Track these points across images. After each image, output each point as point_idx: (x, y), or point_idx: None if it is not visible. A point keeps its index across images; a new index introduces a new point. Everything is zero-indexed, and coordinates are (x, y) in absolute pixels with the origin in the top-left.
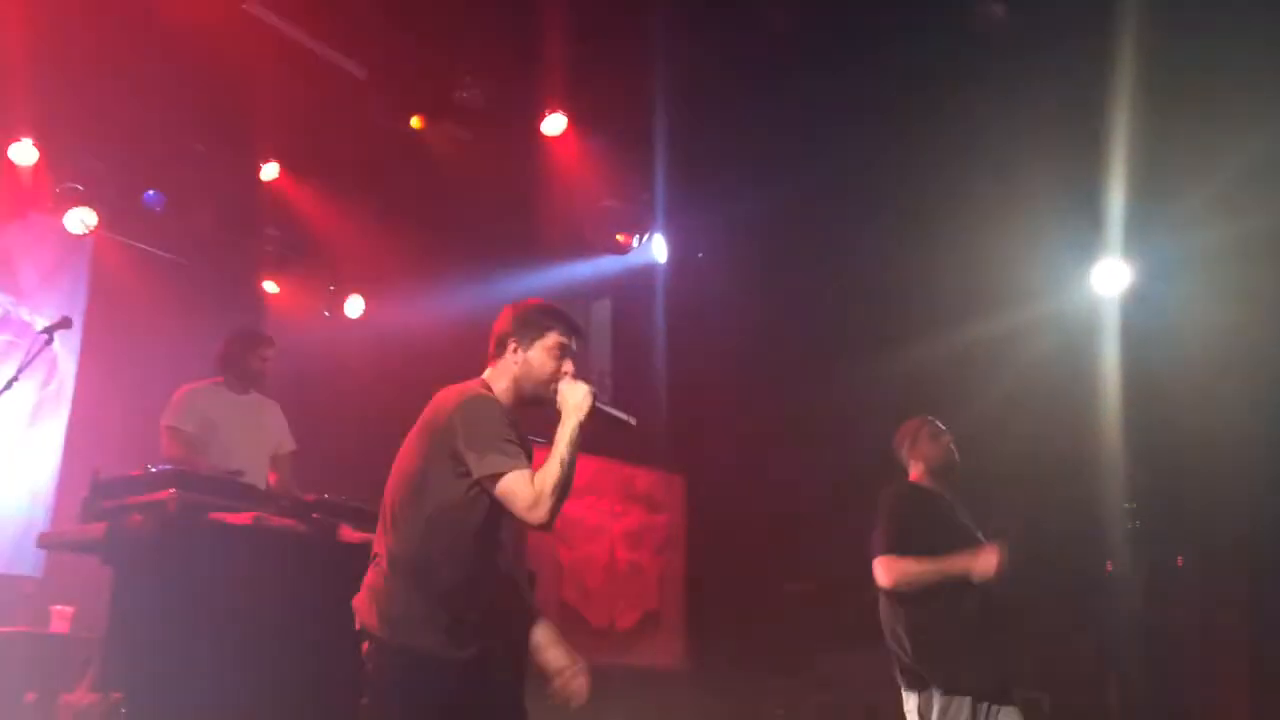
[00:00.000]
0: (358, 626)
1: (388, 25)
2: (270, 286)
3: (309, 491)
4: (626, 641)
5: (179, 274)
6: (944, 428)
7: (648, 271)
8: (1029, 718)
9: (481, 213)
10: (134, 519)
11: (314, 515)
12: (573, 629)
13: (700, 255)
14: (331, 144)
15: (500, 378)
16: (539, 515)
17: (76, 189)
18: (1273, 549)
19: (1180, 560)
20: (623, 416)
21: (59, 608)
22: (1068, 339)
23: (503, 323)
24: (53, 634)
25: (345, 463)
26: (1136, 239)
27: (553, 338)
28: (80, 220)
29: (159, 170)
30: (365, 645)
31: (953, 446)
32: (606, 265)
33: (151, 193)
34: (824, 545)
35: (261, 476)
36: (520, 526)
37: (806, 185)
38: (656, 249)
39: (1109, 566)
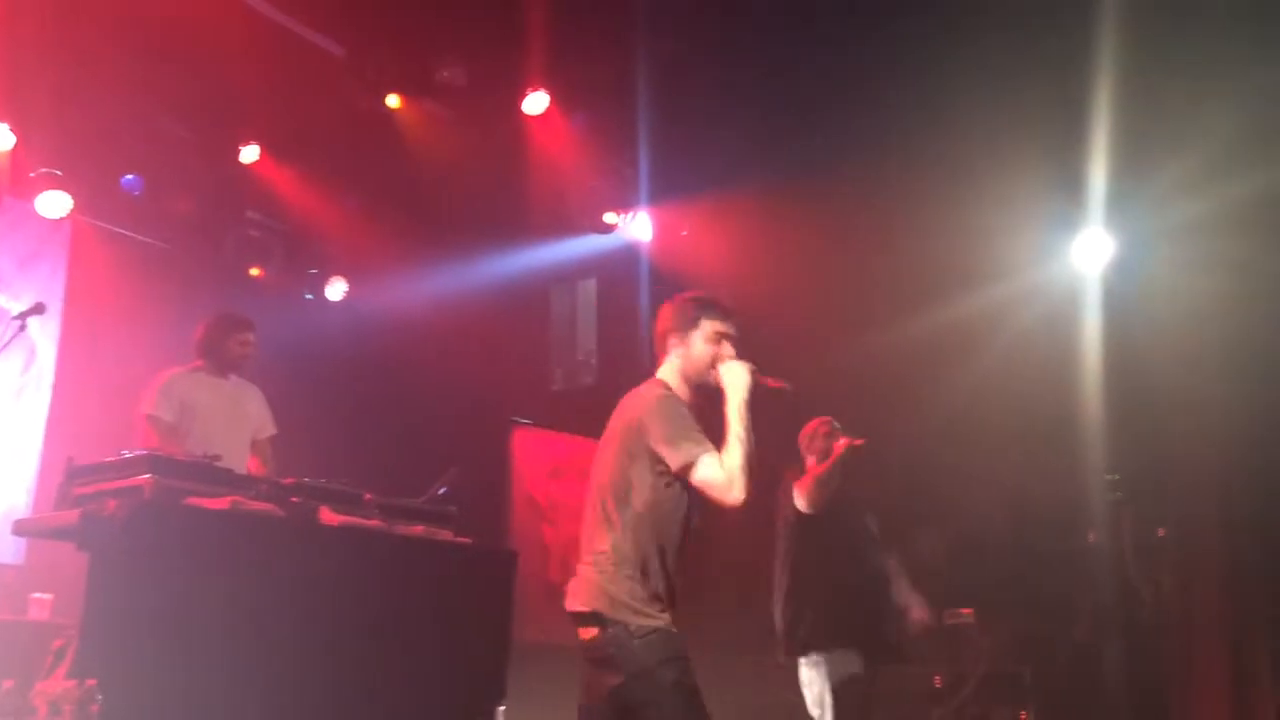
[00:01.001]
0: (583, 609)
1: (364, 3)
2: (252, 270)
3: (290, 475)
4: None
5: (159, 258)
6: (839, 428)
7: (632, 250)
8: (1011, 690)
9: (465, 193)
10: (109, 504)
11: (293, 499)
12: (558, 608)
13: (685, 233)
14: (311, 125)
15: (672, 374)
16: (735, 496)
17: (54, 174)
18: (1249, 519)
19: (1161, 531)
20: (781, 385)
21: (38, 596)
22: (1052, 311)
23: (662, 321)
24: (31, 621)
25: (329, 445)
26: (1117, 212)
27: (707, 326)
28: (54, 204)
29: (137, 154)
30: (594, 631)
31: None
32: (591, 244)
33: (130, 177)
34: None
35: (241, 462)
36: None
37: (790, 163)
38: (641, 227)
39: (1091, 537)
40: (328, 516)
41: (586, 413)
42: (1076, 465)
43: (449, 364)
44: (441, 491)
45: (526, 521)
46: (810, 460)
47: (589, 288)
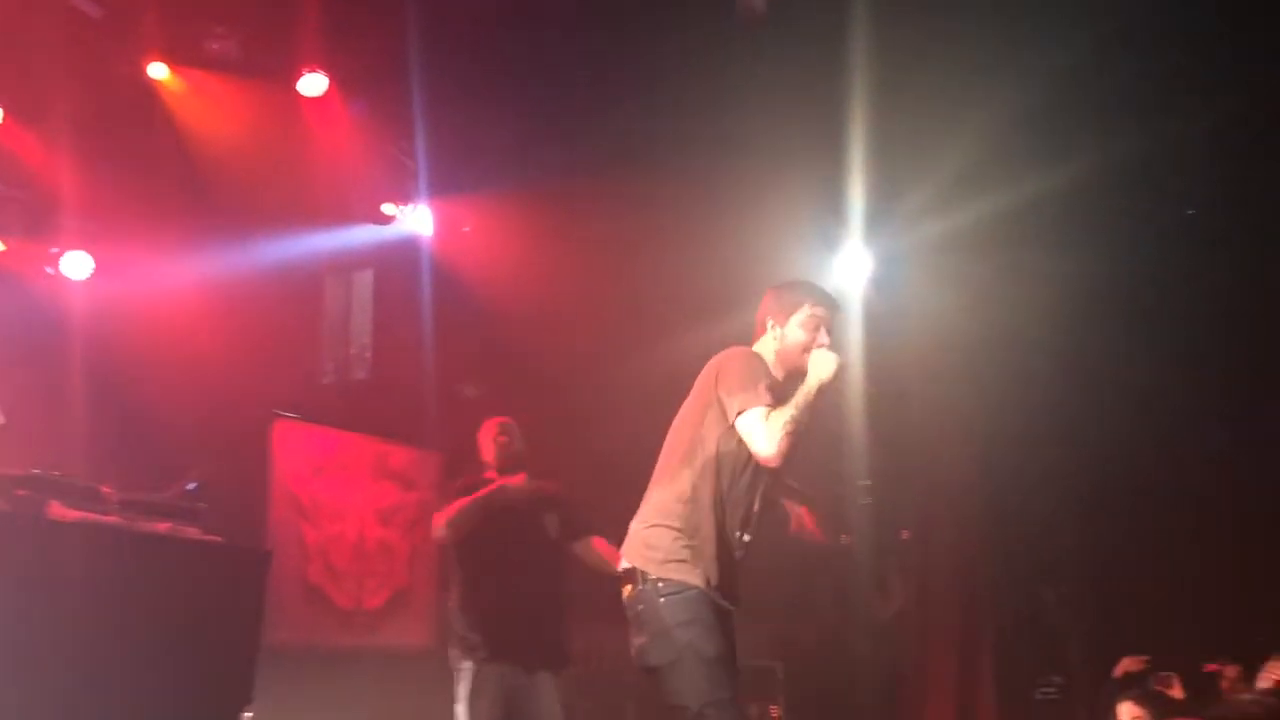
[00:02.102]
0: (625, 566)
1: None
2: None
3: (20, 467)
4: (374, 622)
5: None
6: (503, 429)
7: (412, 243)
8: (764, 684)
9: (235, 172)
10: None
11: (19, 492)
12: (318, 611)
13: (467, 229)
14: (62, 88)
15: (767, 352)
16: (769, 450)
17: None
18: (980, 524)
19: (906, 534)
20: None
21: None
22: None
23: (763, 303)
24: None
25: (69, 435)
26: (874, 231)
27: (806, 310)
28: None
29: None
30: (629, 588)
31: (507, 447)
32: (368, 235)
33: None
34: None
35: None
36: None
37: (568, 169)
38: (421, 220)
39: (844, 539)
40: (58, 511)
41: (357, 407)
42: (837, 472)
43: (208, 351)
44: (191, 486)
45: (286, 519)
46: (488, 462)
47: (365, 279)
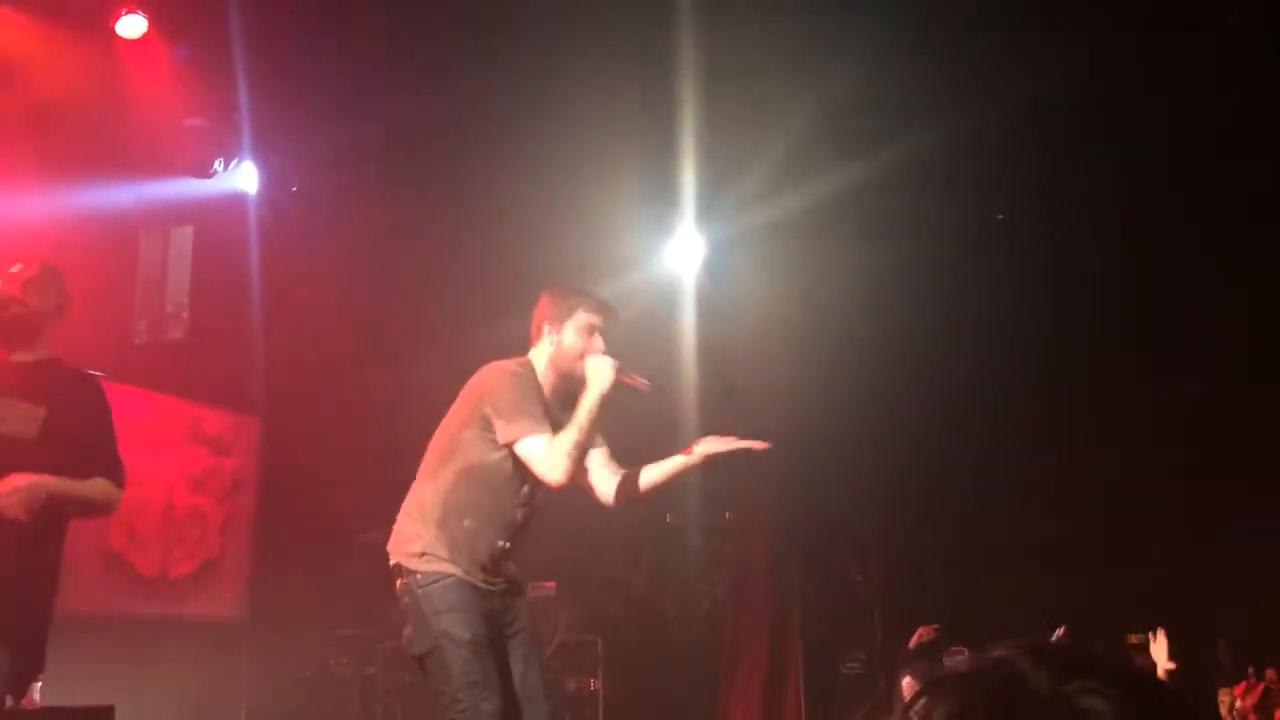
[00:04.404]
0: (392, 561)
1: None
2: None
3: None
4: (180, 591)
5: None
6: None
7: (236, 200)
8: (585, 658)
9: (44, 113)
10: None
11: None
12: (117, 578)
13: (295, 189)
14: None
15: (541, 358)
16: (555, 474)
17: None
18: (797, 504)
19: (727, 515)
20: (640, 384)
21: None
22: (650, 310)
23: (539, 308)
24: None
25: None
26: (706, 216)
27: (581, 317)
28: None
29: None
30: (398, 582)
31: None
32: (189, 189)
33: None
34: (403, 498)
35: None
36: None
37: (397, 137)
38: (246, 177)
39: (669, 519)
40: None
41: (171, 369)
42: (667, 453)
43: None
44: None
45: None
46: None
47: (185, 235)
